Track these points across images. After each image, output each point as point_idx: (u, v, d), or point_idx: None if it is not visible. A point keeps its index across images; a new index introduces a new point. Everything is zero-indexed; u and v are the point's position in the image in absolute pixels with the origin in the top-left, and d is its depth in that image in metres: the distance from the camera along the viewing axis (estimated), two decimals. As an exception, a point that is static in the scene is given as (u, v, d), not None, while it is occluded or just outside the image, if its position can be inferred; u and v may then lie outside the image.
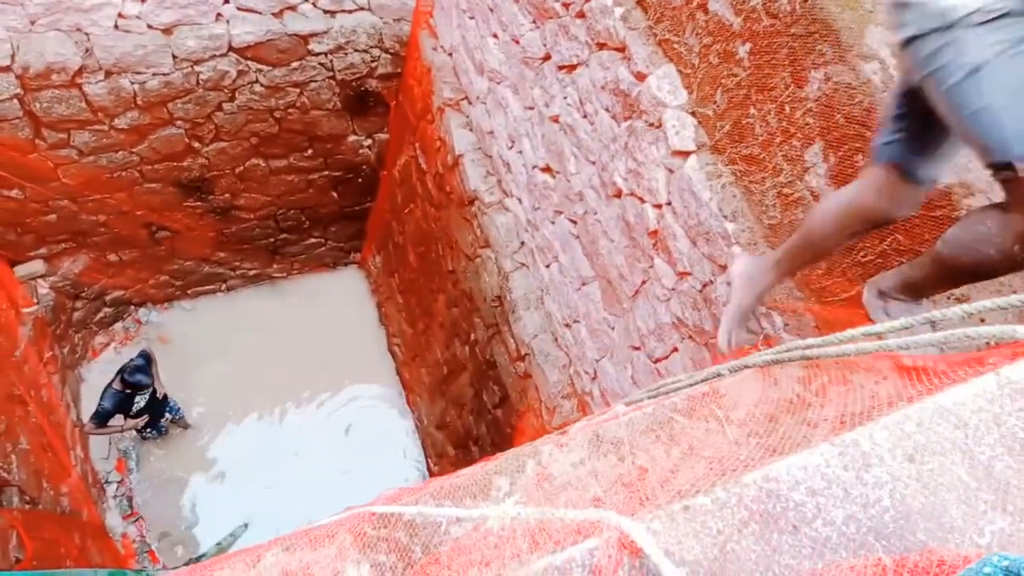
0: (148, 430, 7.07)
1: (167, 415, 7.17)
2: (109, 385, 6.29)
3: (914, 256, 2.12)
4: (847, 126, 2.33)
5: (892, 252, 2.24)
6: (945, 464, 0.79)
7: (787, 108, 2.53)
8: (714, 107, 2.82)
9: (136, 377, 6.12)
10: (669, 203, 2.88)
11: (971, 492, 0.77)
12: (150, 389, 6.42)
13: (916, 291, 1.79)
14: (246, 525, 7.37)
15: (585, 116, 3.40)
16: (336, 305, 8.48)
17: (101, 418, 6.24)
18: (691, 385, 1.91)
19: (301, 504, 7.47)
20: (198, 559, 7.05)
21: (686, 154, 2.78)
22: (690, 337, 2.93)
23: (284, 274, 8.51)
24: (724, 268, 2.65)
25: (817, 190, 2.48)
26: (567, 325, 4.11)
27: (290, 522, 6.89)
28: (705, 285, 2.75)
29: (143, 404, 6.51)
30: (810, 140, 2.46)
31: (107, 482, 7.27)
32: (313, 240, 8.09)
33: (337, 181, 7.12)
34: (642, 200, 3.03)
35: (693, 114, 2.85)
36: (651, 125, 2.92)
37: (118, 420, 6.46)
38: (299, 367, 7.95)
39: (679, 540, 0.72)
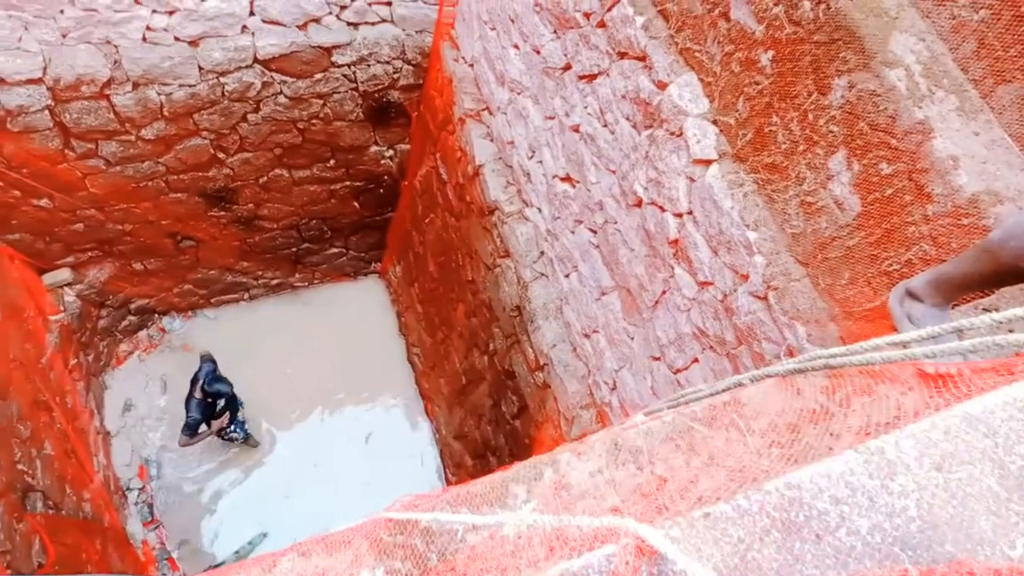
0: (232, 428, 7.16)
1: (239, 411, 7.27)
2: (191, 396, 6.47)
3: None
4: (871, 134, 2.30)
5: (918, 261, 2.20)
6: (974, 474, 0.76)
7: (810, 116, 2.51)
8: (736, 115, 2.80)
9: (215, 387, 6.43)
10: (690, 212, 2.85)
11: (1001, 503, 0.75)
12: (224, 397, 6.67)
13: (950, 292, 1.73)
14: (264, 534, 7.41)
15: (606, 125, 3.40)
16: (356, 315, 8.53)
17: (192, 429, 6.46)
18: (712, 395, 1.88)
19: (320, 513, 7.50)
20: (217, 567, 7.07)
21: (707, 163, 2.76)
22: (711, 348, 2.89)
23: (306, 283, 8.58)
24: (746, 278, 2.62)
25: (841, 199, 2.45)
26: (586, 335, 4.09)
27: (308, 531, 6.90)
28: (727, 295, 2.72)
29: (223, 404, 6.79)
30: (834, 148, 2.44)
31: (129, 489, 7.34)
32: (335, 250, 8.15)
33: (359, 191, 7.17)
34: (663, 209, 3.01)
35: (715, 122, 2.83)
36: (672, 134, 2.90)
37: (203, 428, 6.69)
38: (319, 376, 8.00)
39: (699, 547, 0.70)
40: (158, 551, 7.24)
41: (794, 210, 2.63)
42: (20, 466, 4.98)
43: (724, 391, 1.78)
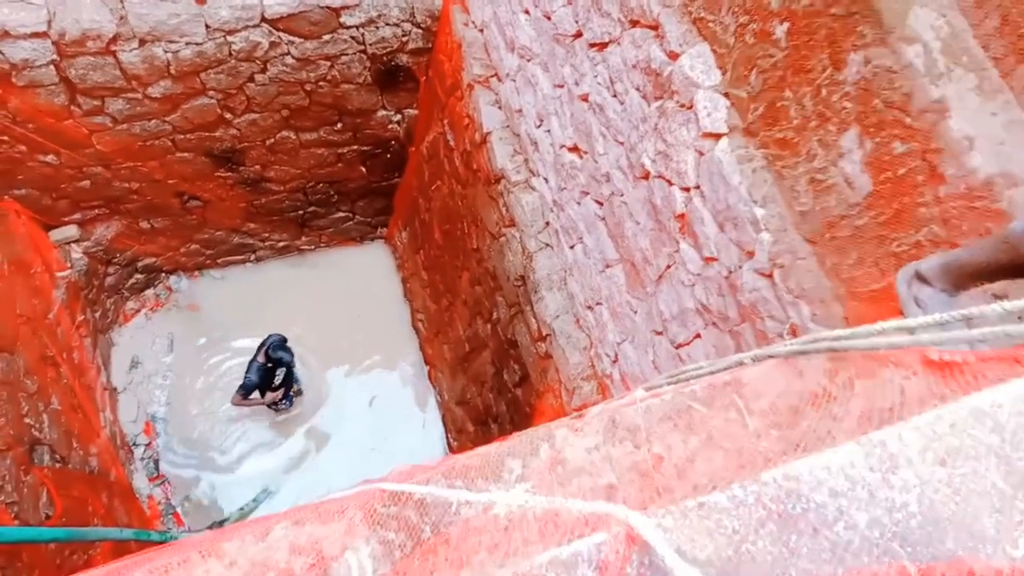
0: (283, 402, 7.37)
1: (293, 385, 7.46)
2: (254, 359, 6.69)
3: (951, 247, 2.05)
4: (886, 111, 2.25)
5: (927, 243, 2.16)
6: (979, 470, 0.75)
7: (824, 91, 2.45)
8: (748, 89, 2.74)
9: (279, 353, 6.63)
10: (698, 186, 2.81)
11: (1006, 500, 0.73)
12: (285, 366, 6.83)
13: (961, 278, 1.70)
14: (269, 491, 7.52)
15: (615, 95, 3.34)
16: (362, 279, 8.53)
17: (248, 390, 6.68)
18: (713, 373, 1.87)
19: (323, 473, 7.61)
20: (221, 523, 7.20)
21: (717, 136, 2.72)
22: (714, 324, 2.88)
23: (312, 247, 8.57)
24: (752, 254, 2.59)
25: (852, 177, 2.41)
26: (589, 307, 4.07)
27: (311, 491, 7.06)
28: (731, 271, 2.70)
29: (281, 378, 6.92)
30: (846, 125, 2.39)
31: (135, 444, 7.44)
32: (341, 214, 8.12)
33: (366, 156, 7.12)
34: (670, 183, 2.97)
35: (726, 95, 2.77)
36: (682, 106, 2.85)
37: (255, 395, 6.87)
38: (324, 339, 8.03)
39: (692, 538, 0.69)
40: (163, 506, 7.37)
41: (803, 187, 2.59)
42: (27, 420, 5.04)
43: (725, 369, 1.77)
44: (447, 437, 7.84)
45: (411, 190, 7.33)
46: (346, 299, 8.32)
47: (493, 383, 5.98)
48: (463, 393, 6.99)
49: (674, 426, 1.44)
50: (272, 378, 6.87)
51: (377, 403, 7.99)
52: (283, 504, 7.41)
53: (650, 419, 1.45)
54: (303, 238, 8.36)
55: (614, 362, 3.86)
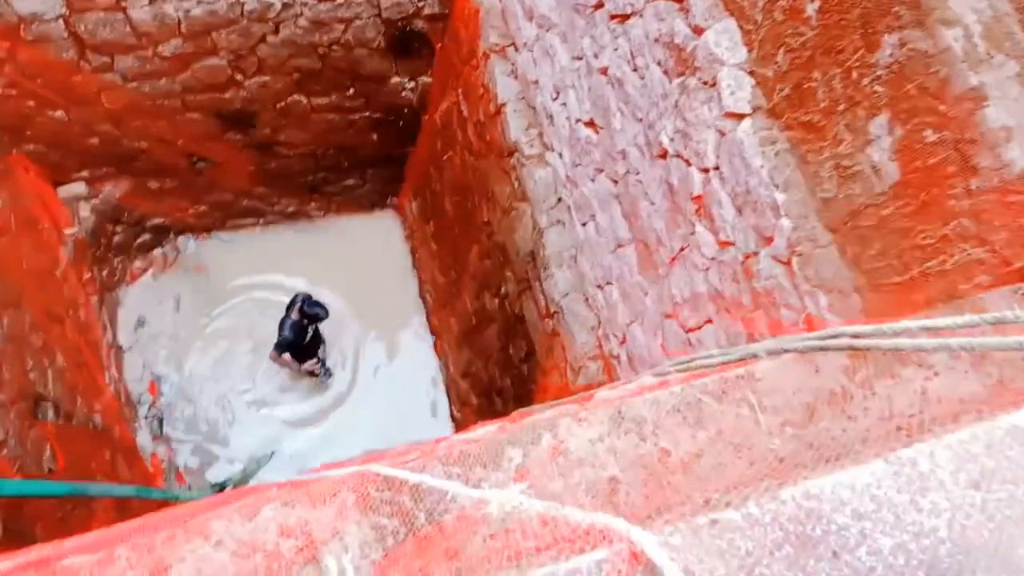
0: (319, 367, 7.46)
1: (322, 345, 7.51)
2: (287, 316, 6.81)
3: (980, 243, 1.97)
4: (919, 97, 2.16)
5: (955, 237, 2.08)
6: (1016, 494, 0.69)
7: (854, 74, 2.35)
8: (775, 68, 2.64)
9: (315, 310, 6.79)
10: (717, 168, 2.73)
11: (1043, 528, 0.67)
12: (321, 322, 6.97)
13: None
14: (271, 453, 7.56)
15: (635, 70, 3.23)
16: (371, 248, 8.47)
17: (282, 348, 6.84)
18: (725, 362, 1.81)
19: (324, 439, 7.65)
20: (223, 483, 7.26)
21: (740, 116, 2.62)
22: (726, 310, 2.81)
23: (321, 213, 8.50)
24: (770, 240, 2.51)
25: (879, 165, 2.32)
26: (599, 286, 4.01)
27: (311, 456, 7.07)
28: (747, 257, 2.62)
29: (311, 335, 7.00)
30: (876, 110, 2.29)
31: (139, 403, 7.48)
32: (352, 182, 8.04)
33: (378, 123, 7.01)
34: (688, 163, 2.88)
35: (751, 74, 2.67)
36: (705, 83, 2.75)
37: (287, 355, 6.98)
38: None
39: (700, 559, 0.64)
40: (166, 464, 7.43)
41: (827, 173, 2.50)
42: (32, 375, 5.05)
43: (738, 361, 1.71)
44: (451, 409, 7.84)
45: (423, 160, 7.24)
46: (354, 267, 8.28)
47: (499, 358, 5.94)
48: (468, 366, 6.97)
49: (683, 419, 1.39)
50: (304, 335, 6.93)
51: (381, 372, 7.99)
52: (283, 468, 7.46)
53: (658, 411, 1.39)
54: (312, 204, 8.29)
55: (622, 343, 3.80)
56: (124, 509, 5.56)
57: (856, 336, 1.50)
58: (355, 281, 8.22)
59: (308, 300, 6.92)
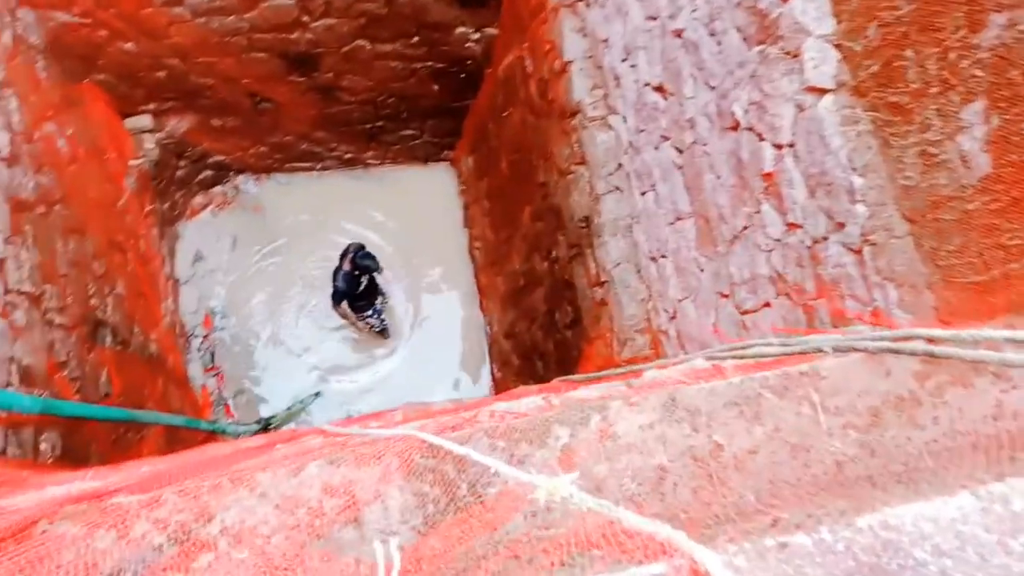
0: (370, 313, 7.56)
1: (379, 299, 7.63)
2: (339, 268, 6.94)
3: (1075, 249, 1.84)
4: (1023, 85, 2.00)
5: (1046, 238, 1.95)
6: (1124, 549, 0.62)
7: (952, 55, 2.19)
8: (864, 42, 2.48)
9: (365, 261, 6.92)
10: (792, 145, 2.60)
11: None
12: (373, 273, 7.10)
13: None
14: (317, 394, 7.74)
15: (713, 34, 3.08)
16: (424, 200, 8.47)
17: (338, 299, 7.03)
18: (784, 354, 1.73)
19: (368, 385, 7.80)
20: (268, 420, 7.48)
21: (822, 92, 2.48)
22: (787, 295, 2.71)
23: (378, 161, 8.51)
24: (842, 226, 2.39)
25: (969, 155, 2.17)
26: (653, 259, 3.92)
27: (355, 400, 7.19)
28: (816, 242, 2.51)
29: (364, 285, 7.13)
30: (972, 96, 2.14)
31: (193, 335, 7.72)
32: (410, 132, 8.00)
33: (440, 73, 6.93)
34: (761, 137, 2.75)
35: (838, 47, 2.51)
36: (787, 54, 2.60)
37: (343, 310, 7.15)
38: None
39: (767, 586, 0.60)
40: (215, 397, 7.68)
41: (911, 160, 2.35)
42: (93, 301, 5.23)
43: (800, 354, 1.64)
44: (491, 367, 7.89)
45: (482, 114, 7.14)
46: (405, 218, 8.30)
47: (544, 321, 5.92)
48: (512, 326, 6.97)
49: (739, 413, 1.34)
50: (357, 285, 7.03)
51: (426, 324, 8.07)
52: (327, 409, 7.66)
53: (713, 402, 1.34)
54: (370, 152, 8.30)
55: (672, 318, 3.73)
56: (173, 437, 5.78)
57: (932, 341, 1.41)
58: (406, 232, 8.25)
59: (360, 251, 7.00)
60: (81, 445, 4.29)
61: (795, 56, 2.56)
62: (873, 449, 1.31)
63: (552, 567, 0.76)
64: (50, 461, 3.83)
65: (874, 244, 2.29)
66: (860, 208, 2.32)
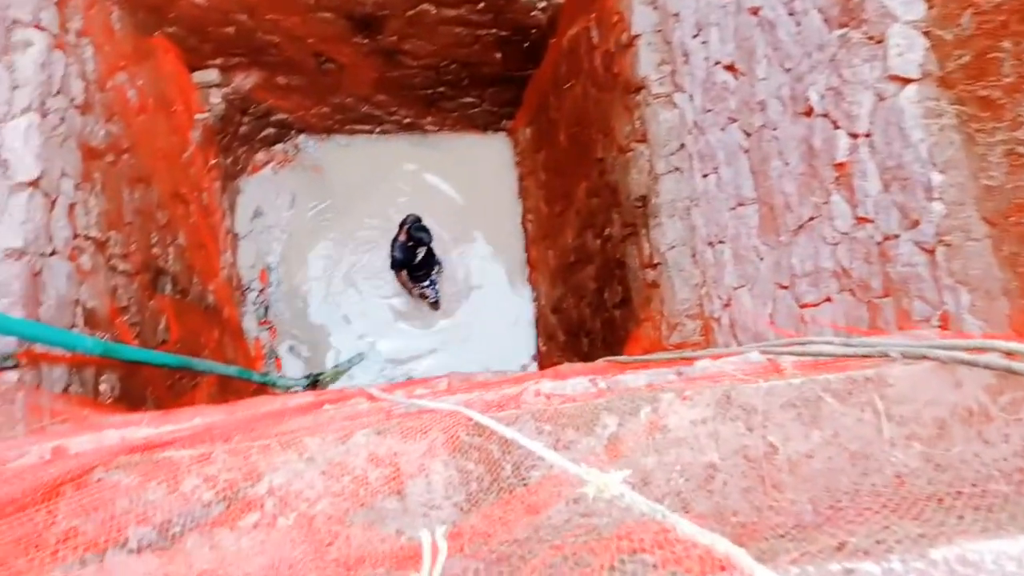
0: (427, 284, 7.72)
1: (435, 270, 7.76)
2: (396, 238, 7.15)
3: None
4: None
5: None
6: None
7: (1056, 47, 2.05)
8: (957, 30, 2.34)
9: (419, 234, 7.09)
10: (868, 135, 2.48)
11: None
12: (428, 245, 7.23)
13: None
14: (362, 356, 7.89)
15: (792, 14, 2.95)
16: (480, 169, 8.45)
17: (396, 267, 7.28)
18: (847, 355, 1.67)
19: (414, 350, 7.90)
20: (316, 376, 7.66)
21: (905, 81, 2.35)
22: (850, 291, 2.61)
23: (436, 128, 8.50)
24: (916, 224, 2.28)
25: (1062, 157, 2.04)
26: (710, 243, 3.82)
27: (400, 363, 7.26)
28: (886, 238, 2.40)
29: (421, 257, 7.28)
30: (1074, 93, 2.00)
31: (249, 289, 7.92)
32: (469, 99, 7.96)
33: (503, 41, 6.84)
34: (836, 125, 2.63)
35: (927, 34, 2.38)
36: (870, 39, 2.47)
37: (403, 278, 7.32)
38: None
39: (830, 614, 0.57)
40: (267, 350, 7.89)
41: (997, 158, 2.22)
42: (155, 250, 5.39)
43: (864, 357, 1.57)
44: (537, 341, 7.89)
45: (543, 85, 7.04)
46: (460, 186, 8.31)
47: (592, 299, 5.87)
48: (560, 302, 6.94)
49: (797, 415, 1.29)
50: (414, 256, 7.17)
51: (474, 294, 8.10)
52: (372, 369, 7.80)
53: (771, 402, 1.29)
54: (429, 118, 8.29)
55: (725, 306, 3.64)
56: (225, 386, 5.96)
57: (1011, 355, 1.33)
58: (460, 200, 8.27)
59: (416, 223, 7.10)
60: (138, 388, 4.46)
61: (879, 42, 2.43)
62: (938, 463, 1.25)
63: (601, 569, 0.75)
64: (109, 401, 3.99)
65: (949, 245, 2.18)
66: (937, 206, 2.20)
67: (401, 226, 7.14)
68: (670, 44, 4.27)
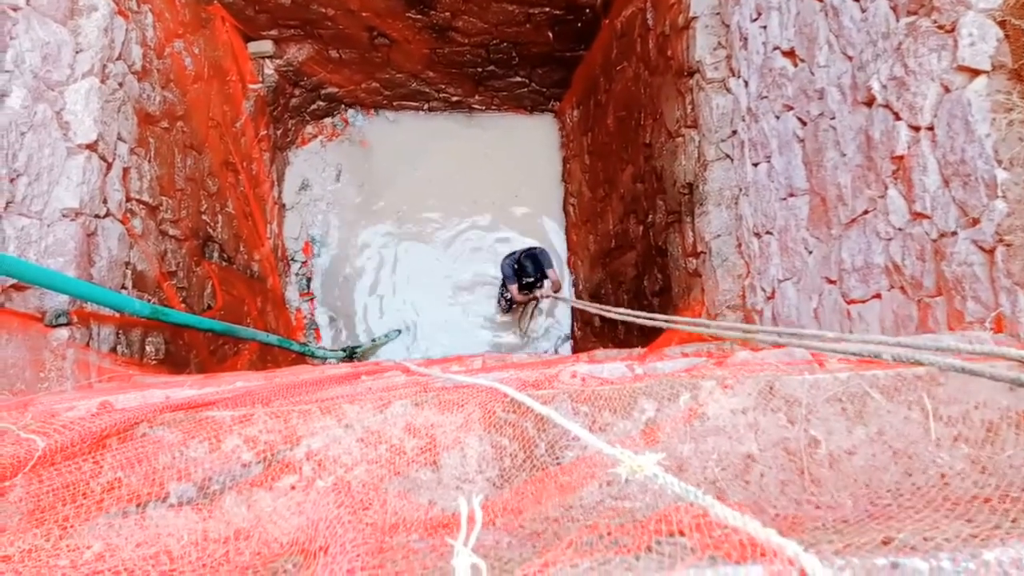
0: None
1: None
2: (511, 254, 6.88)
3: None
4: None
5: None
6: None
7: None
8: (1034, 20, 2.23)
9: (525, 262, 6.68)
10: (931, 128, 2.39)
11: None
12: (531, 279, 6.82)
13: None
14: (399, 331, 7.98)
15: (858, 0, 2.85)
16: (524, 150, 8.43)
17: (506, 278, 6.96)
18: (896, 361, 1.62)
19: (450, 327, 7.96)
20: (354, 349, 7.78)
21: (975, 73, 2.25)
22: (901, 288, 2.53)
23: (483, 107, 8.48)
24: (975, 222, 2.20)
25: None
26: (757, 234, 3.75)
27: (436, 338, 7.31)
28: (943, 235, 2.32)
29: (530, 282, 6.95)
30: None
31: (293, 260, 8.05)
32: (518, 79, 7.91)
33: (556, 20, 6.77)
34: (898, 116, 2.54)
35: (1002, 24, 2.27)
36: (940, 27, 2.37)
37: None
38: (475, 201, 8.15)
39: (873, 609, 0.55)
40: (308, 320, 8.04)
41: (1069, 156, 2.12)
42: (204, 217, 5.51)
43: (913, 363, 1.52)
44: (573, 326, 7.87)
45: (594, 66, 6.95)
46: (505, 167, 8.30)
47: (631, 286, 5.82)
48: (598, 287, 6.90)
49: (842, 410, 1.26)
50: (521, 275, 6.82)
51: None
52: (408, 343, 7.89)
53: (815, 395, 1.26)
54: (476, 96, 8.28)
55: (769, 298, 3.57)
56: (266, 354, 6.09)
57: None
58: (503, 180, 8.26)
59: (525, 252, 6.70)
60: (182, 351, 4.58)
61: (949, 31, 2.33)
62: (984, 467, 1.21)
63: (638, 549, 0.74)
64: (153, 363, 4.11)
65: (1009, 245, 2.09)
66: (1000, 204, 2.11)
67: (525, 249, 6.80)
68: (728, 27, 4.17)
